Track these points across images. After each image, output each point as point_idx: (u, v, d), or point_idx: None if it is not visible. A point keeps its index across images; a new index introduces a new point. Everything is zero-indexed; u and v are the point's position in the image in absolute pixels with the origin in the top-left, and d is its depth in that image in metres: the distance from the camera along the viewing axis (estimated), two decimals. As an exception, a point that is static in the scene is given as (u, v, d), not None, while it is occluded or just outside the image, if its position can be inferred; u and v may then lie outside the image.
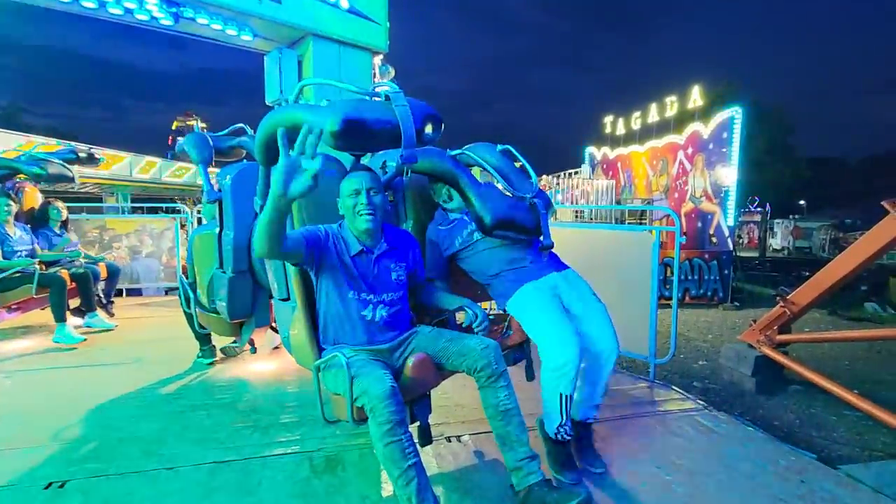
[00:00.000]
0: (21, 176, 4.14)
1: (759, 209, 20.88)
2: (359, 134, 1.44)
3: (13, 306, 3.84)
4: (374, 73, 5.84)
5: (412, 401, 1.70)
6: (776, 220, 23.18)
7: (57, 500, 1.78)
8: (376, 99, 1.56)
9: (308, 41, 3.79)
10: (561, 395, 1.79)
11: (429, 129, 1.59)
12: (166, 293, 6.64)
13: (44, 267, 3.87)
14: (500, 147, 2.14)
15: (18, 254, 3.83)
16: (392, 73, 5.79)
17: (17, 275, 3.74)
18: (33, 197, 4.32)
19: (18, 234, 3.91)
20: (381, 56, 5.76)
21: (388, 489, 1.83)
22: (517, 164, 2.14)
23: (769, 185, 24.51)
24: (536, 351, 1.93)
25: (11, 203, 3.92)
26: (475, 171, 2.26)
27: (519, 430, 1.65)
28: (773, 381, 4.47)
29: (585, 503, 1.54)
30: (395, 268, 1.79)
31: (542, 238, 2.01)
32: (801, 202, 30.33)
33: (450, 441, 2.21)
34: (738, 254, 12.16)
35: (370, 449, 2.11)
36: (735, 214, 9.76)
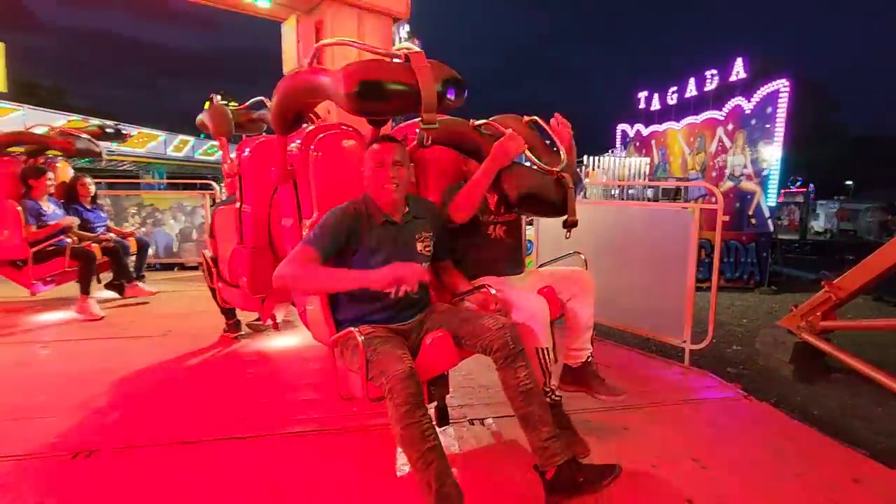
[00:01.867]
0: (52, 152, 4.22)
1: (801, 189, 19.82)
2: (376, 96, 1.33)
3: (48, 279, 3.97)
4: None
5: (429, 380, 1.63)
6: (819, 202, 21.97)
7: (83, 470, 1.81)
8: (396, 61, 1.44)
9: (325, 6, 3.67)
10: (537, 349, 1.74)
11: (451, 93, 1.47)
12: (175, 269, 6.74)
13: (76, 240, 3.96)
14: (526, 118, 2.01)
15: (52, 229, 3.94)
16: (417, 44, 5.63)
17: (51, 248, 3.85)
18: (65, 172, 4.41)
19: (52, 209, 4.02)
20: (406, 28, 5.59)
21: (407, 469, 1.78)
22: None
23: (813, 164, 23.25)
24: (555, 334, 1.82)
25: (52, 178, 4.02)
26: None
27: (542, 410, 1.56)
28: (813, 368, 4.25)
29: (617, 475, 1.47)
30: (421, 237, 1.77)
31: (567, 215, 1.87)
32: (848, 182, 28.64)
33: (472, 424, 2.14)
34: (777, 236, 11.59)
35: (390, 429, 2.07)
36: (776, 195, 9.24)
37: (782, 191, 18.39)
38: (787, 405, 3.51)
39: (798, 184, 20.32)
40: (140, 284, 4.39)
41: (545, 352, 1.77)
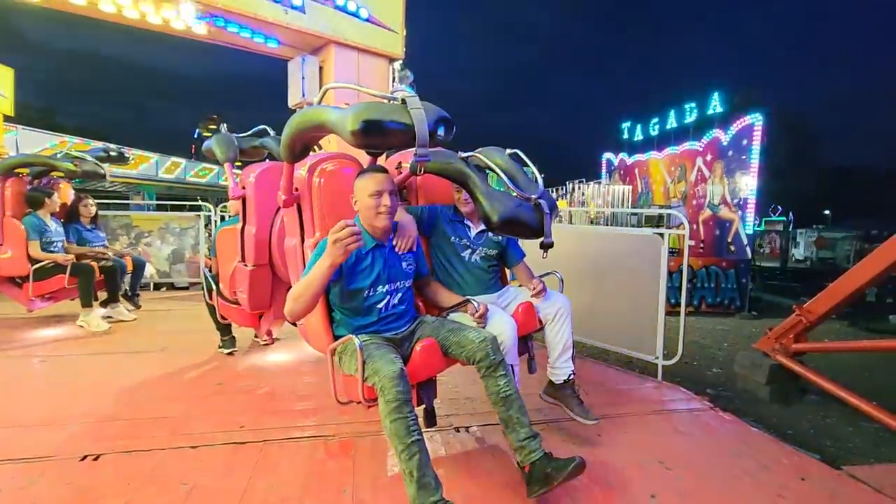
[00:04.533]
0: (56, 173, 4.38)
1: (781, 218, 20.44)
2: (376, 133, 1.54)
3: (46, 295, 4.07)
4: (394, 77, 6.00)
5: (419, 384, 1.80)
6: (799, 230, 22.60)
7: (92, 471, 1.92)
8: (393, 102, 1.66)
9: (329, 48, 3.99)
10: None
11: (441, 130, 1.69)
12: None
13: (74, 258, 4.08)
14: (509, 151, 2.23)
15: (55, 244, 4.08)
16: (410, 77, 5.93)
17: (51, 265, 3.96)
18: (66, 193, 4.55)
19: (54, 227, 4.16)
20: (399, 61, 5.93)
21: (396, 471, 1.92)
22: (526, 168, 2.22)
23: (793, 193, 24.04)
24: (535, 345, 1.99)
25: (56, 199, 4.18)
26: (491, 177, 2.35)
27: (520, 414, 1.75)
28: (788, 390, 4.40)
29: (580, 467, 1.64)
30: (405, 258, 1.96)
31: (544, 237, 2.08)
32: (826, 212, 29.55)
33: (458, 431, 2.29)
34: (757, 263, 11.96)
35: (381, 436, 2.21)
36: (755, 223, 9.62)
37: (764, 220, 18.95)
38: (764, 425, 3.66)
39: (778, 212, 20.96)
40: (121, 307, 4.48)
41: (511, 369, 1.89)
